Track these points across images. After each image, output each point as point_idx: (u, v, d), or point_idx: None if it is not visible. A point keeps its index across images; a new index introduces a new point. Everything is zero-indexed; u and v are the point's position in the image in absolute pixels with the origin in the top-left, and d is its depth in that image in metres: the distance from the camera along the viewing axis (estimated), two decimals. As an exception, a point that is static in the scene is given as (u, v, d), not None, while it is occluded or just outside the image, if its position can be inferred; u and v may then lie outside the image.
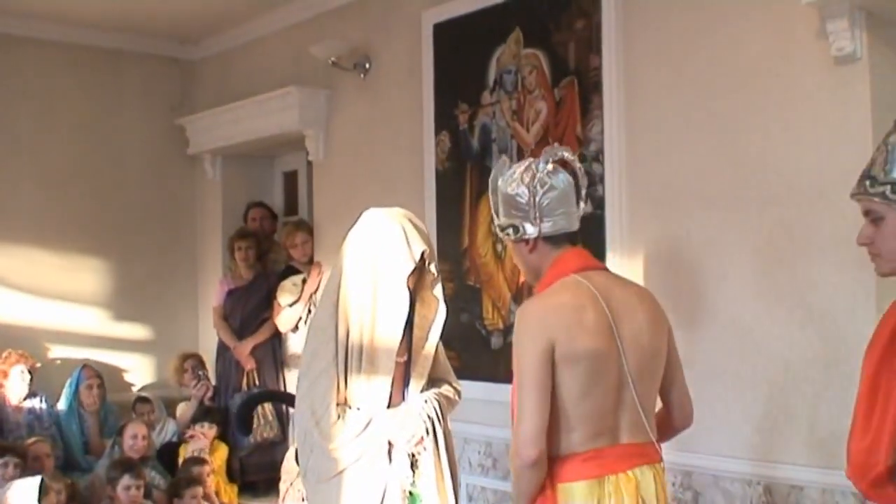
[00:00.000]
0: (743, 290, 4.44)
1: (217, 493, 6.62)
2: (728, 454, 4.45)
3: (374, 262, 3.56)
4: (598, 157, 5.05)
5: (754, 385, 4.38)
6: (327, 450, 3.51)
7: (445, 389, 3.82)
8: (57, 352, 7.72)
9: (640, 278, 4.64)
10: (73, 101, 7.91)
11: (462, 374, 5.85)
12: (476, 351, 5.79)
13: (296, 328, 7.08)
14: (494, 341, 5.68)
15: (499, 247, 5.63)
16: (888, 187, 2.34)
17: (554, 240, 3.14)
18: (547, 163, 3.14)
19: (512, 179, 3.14)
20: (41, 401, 7.09)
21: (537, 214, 3.09)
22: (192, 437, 6.82)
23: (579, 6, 5.20)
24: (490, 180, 3.27)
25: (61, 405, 7.16)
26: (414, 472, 3.63)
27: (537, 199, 3.08)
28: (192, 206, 8.55)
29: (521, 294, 5.49)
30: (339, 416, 3.52)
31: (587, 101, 5.15)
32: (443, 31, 6.07)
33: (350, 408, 3.56)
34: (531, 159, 3.22)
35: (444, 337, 6.01)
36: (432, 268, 3.70)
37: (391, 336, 3.57)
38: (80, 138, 7.93)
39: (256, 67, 7.75)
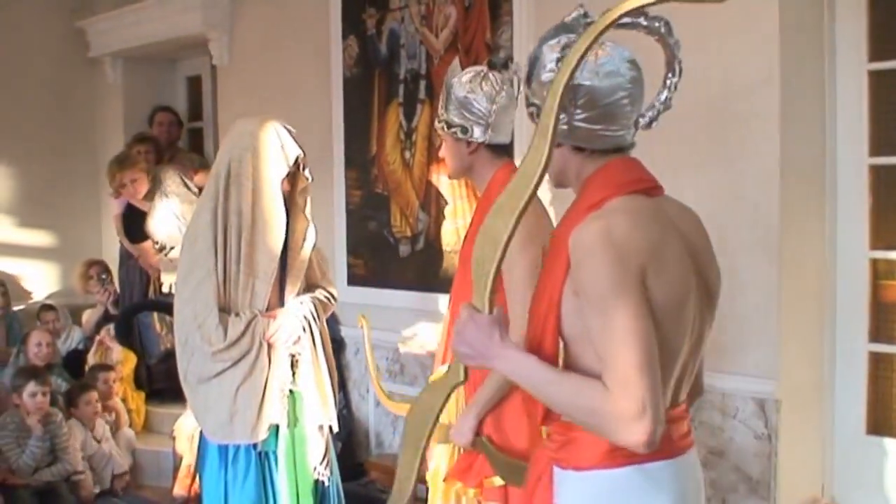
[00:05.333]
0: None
1: (124, 401, 6.61)
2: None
3: (250, 168, 3.63)
4: (507, 64, 5.01)
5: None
6: (208, 353, 3.62)
7: (319, 293, 3.93)
8: (-43, 260, 7.57)
9: (545, 189, 4.66)
10: (-33, 3, 7.63)
11: (370, 281, 5.91)
12: (384, 258, 5.81)
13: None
14: (402, 249, 5.69)
15: (407, 154, 5.61)
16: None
17: (496, 149, 3.33)
18: (503, 76, 3.33)
19: (468, 82, 3.27)
20: (-59, 310, 6.99)
21: (491, 122, 3.27)
22: (101, 341, 6.77)
23: None
24: (445, 79, 3.39)
25: (-38, 315, 7.05)
26: (294, 371, 3.77)
27: (494, 108, 3.25)
28: (93, 111, 8.37)
29: (429, 202, 5.49)
30: (220, 321, 3.61)
31: (497, 6, 5.09)
32: (350, -67, 5.95)
33: (230, 314, 3.65)
34: (484, 68, 3.37)
35: (352, 244, 6.01)
36: (307, 173, 3.79)
37: (270, 241, 3.67)
38: (-24, 42, 7.67)
39: (158, -33, 7.53)
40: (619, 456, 2.06)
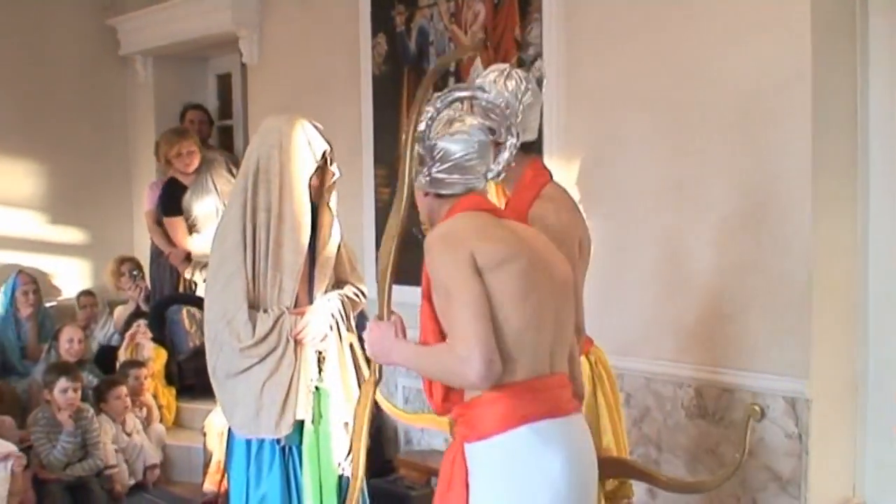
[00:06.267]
0: (677, 194, 4.47)
1: (155, 396, 6.65)
2: (660, 357, 4.52)
3: (279, 164, 3.66)
4: (537, 60, 5.01)
5: (687, 290, 4.44)
6: (236, 349, 3.63)
7: (348, 290, 3.96)
8: (-10, 257, 7.63)
9: (576, 181, 4.66)
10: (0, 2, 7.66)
11: (398, 278, 5.87)
12: (412, 256, 5.77)
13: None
14: (431, 246, 5.66)
15: (436, 151, 5.60)
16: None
17: (523, 147, 3.14)
18: (528, 74, 3.35)
19: (492, 81, 3.20)
20: (-25, 307, 7.02)
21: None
22: (133, 337, 6.80)
23: None
24: (468, 79, 3.35)
25: (-4, 311, 7.10)
26: (320, 368, 3.80)
27: (520, 106, 3.21)
28: (124, 109, 8.40)
29: (458, 199, 5.47)
30: (248, 318, 3.63)
31: (526, 3, 5.08)
32: (379, -70, 5.94)
33: (258, 310, 3.67)
34: (507, 66, 3.33)
35: (381, 241, 5.99)
36: (334, 167, 3.81)
37: (298, 237, 3.69)
38: (10, 41, 7.71)
39: (188, -35, 7.55)
40: (512, 417, 2.53)
